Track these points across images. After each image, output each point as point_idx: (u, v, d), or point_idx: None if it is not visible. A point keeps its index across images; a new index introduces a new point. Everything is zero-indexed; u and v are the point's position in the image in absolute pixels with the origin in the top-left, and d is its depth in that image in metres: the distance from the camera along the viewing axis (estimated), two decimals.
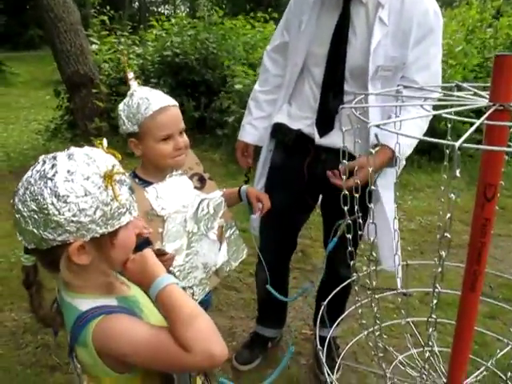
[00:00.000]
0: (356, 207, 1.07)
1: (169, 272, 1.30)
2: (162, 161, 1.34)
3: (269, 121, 1.84)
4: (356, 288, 1.21)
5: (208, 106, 5.40)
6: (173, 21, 6.00)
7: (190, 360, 0.80)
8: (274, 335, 2.23)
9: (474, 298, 0.93)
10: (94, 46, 5.75)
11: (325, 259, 1.29)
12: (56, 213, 0.78)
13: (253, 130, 1.89)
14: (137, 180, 1.36)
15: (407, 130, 1.52)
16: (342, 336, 2.26)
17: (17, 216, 0.81)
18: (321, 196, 1.90)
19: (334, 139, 1.68)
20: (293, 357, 2.15)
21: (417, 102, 1.48)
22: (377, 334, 1.17)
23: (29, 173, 0.82)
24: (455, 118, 0.82)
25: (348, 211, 1.46)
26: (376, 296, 1.19)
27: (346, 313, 1.45)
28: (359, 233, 1.07)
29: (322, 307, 1.26)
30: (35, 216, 0.79)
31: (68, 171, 0.79)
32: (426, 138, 0.78)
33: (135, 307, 0.94)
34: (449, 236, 0.79)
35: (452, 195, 0.75)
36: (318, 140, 1.71)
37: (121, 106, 1.33)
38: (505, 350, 1.25)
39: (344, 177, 1.02)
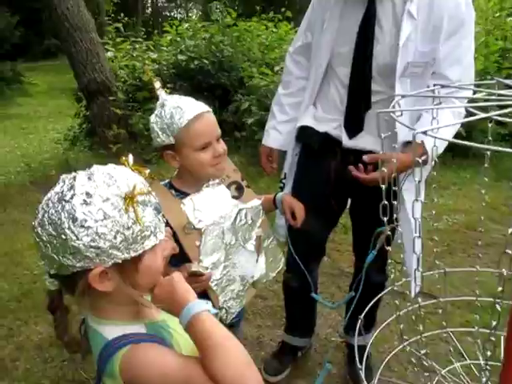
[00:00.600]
0: (395, 215, 1.01)
1: (204, 293, 1.25)
2: (201, 170, 1.30)
3: (293, 124, 1.79)
4: (397, 302, 1.15)
5: (225, 108, 5.36)
6: (186, 25, 5.97)
7: None
8: (304, 344, 2.17)
9: None
10: (110, 54, 5.76)
11: (363, 271, 1.22)
12: (74, 238, 0.74)
13: (277, 135, 1.84)
14: (173, 191, 1.32)
15: (442, 130, 1.45)
16: (373, 343, 2.18)
17: (37, 240, 0.77)
18: (349, 200, 1.83)
19: (362, 141, 1.62)
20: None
21: (457, 105, 1.41)
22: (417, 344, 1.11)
23: (48, 194, 0.78)
24: (506, 119, 0.75)
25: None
26: (417, 304, 1.13)
27: (384, 324, 1.37)
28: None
29: (359, 321, 1.20)
30: (54, 241, 0.75)
31: (86, 193, 0.75)
32: (466, 143, 0.70)
33: (165, 332, 0.89)
34: (510, 252, 0.72)
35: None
36: (345, 142, 1.64)
37: (153, 118, 1.28)
38: None
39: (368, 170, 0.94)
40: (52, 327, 0.91)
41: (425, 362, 1.13)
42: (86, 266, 0.76)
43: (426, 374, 1.17)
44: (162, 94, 1.30)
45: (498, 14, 6.14)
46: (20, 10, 14.45)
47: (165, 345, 0.84)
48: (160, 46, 6.17)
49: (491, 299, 1.15)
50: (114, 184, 0.76)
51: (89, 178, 0.76)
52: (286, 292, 2.04)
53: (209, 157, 1.28)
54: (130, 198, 0.75)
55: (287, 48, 1.96)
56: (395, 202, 0.93)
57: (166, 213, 1.24)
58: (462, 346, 1.35)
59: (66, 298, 0.88)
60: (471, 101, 1.05)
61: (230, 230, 1.32)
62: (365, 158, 1.45)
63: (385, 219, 0.95)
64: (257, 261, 1.41)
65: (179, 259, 1.18)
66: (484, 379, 1.07)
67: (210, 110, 1.31)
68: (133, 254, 0.78)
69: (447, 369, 1.26)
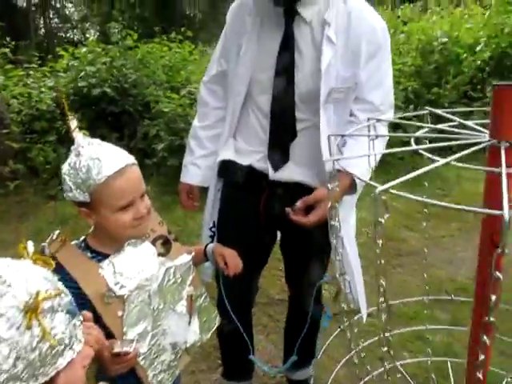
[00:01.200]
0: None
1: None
2: (120, 232, 1.12)
3: (213, 158, 1.67)
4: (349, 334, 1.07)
5: (133, 135, 5.11)
6: (84, 49, 5.62)
7: None
8: None
9: None
10: None
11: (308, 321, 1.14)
12: None
13: (196, 170, 1.71)
14: (89, 253, 1.13)
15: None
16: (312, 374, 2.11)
17: None
18: (279, 233, 1.74)
19: (289, 172, 1.54)
20: None
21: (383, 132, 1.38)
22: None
23: None
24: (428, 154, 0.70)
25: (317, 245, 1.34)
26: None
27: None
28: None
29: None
30: None
31: None
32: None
33: None
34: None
35: None
36: (272, 175, 1.55)
37: (65, 168, 1.08)
38: None
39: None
40: None
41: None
42: None
43: None
44: (78, 137, 1.09)
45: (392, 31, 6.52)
46: None
47: None
48: (56, 72, 5.76)
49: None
50: (8, 292, 0.57)
51: None
52: (219, 337, 1.89)
53: (130, 218, 1.11)
54: (32, 310, 0.57)
55: (192, 69, 1.84)
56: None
57: (80, 281, 1.06)
58: None
59: None
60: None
61: (158, 292, 1.16)
62: (298, 205, 1.44)
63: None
64: (189, 323, 1.25)
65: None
66: None
67: (135, 162, 1.14)
68: (42, 381, 0.60)
69: None
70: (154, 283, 1.16)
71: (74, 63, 5.51)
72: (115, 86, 5.06)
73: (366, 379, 1.14)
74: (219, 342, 1.93)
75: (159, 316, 1.17)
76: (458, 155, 0.69)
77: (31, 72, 5.46)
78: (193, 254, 1.28)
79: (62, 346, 0.62)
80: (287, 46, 1.45)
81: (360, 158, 1.23)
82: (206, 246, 1.40)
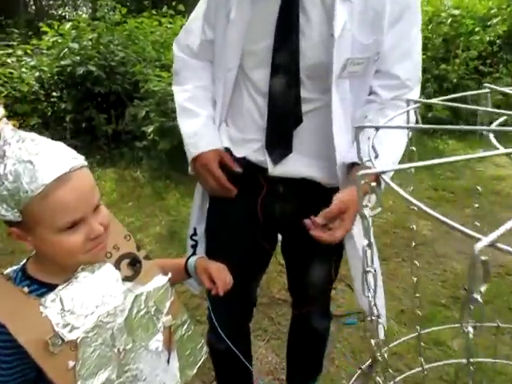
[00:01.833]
0: None
1: None
2: (67, 259, 0.83)
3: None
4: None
5: (122, 117, 4.80)
6: (69, 24, 5.24)
7: None
8: None
9: None
10: None
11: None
12: None
13: (215, 132, 1.32)
14: (26, 287, 0.83)
15: (393, 147, 1.12)
16: None
17: None
18: (280, 237, 1.46)
19: (293, 166, 1.25)
20: None
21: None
22: None
23: None
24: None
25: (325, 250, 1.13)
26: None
27: None
28: None
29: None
30: None
31: None
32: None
33: None
34: None
35: None
36: (271, 169, 1.26)
37: None
38: None
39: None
40: None
41: None
42: None
43: None
44: (5, 130, 0.78)
45: None
46: None
47: None
48: (40, 49, 5.40)
49: None
50: None
51: None
52: (212, 354, 1.63)
53: (80, 240, 0.81)
54: None
55: None
56: None
57: (10, 326, 0.78)
58: None
59: None
60: None
61: (124, 329, 0.88)
62: (318, 220, 1.09)
63: None
64: (168, 362, 0.98)
65: None
66: None
67: (85, 163, 0.83)
68: None
69: None
70: (119, 318, 0.88)
71: (59, 40, 5.15)
72: (102, 64, 4.73)
73: None
74: (211, 358, 1.67)
75: (127, 359, 0.90)
76: None
77: (10, 50, 5.08)
78: (169, 275, 0.99)
79: None
80: (289, 6, 1.13)
81: (387, 153, 0.95)
82: (186, 261, 1.12)
